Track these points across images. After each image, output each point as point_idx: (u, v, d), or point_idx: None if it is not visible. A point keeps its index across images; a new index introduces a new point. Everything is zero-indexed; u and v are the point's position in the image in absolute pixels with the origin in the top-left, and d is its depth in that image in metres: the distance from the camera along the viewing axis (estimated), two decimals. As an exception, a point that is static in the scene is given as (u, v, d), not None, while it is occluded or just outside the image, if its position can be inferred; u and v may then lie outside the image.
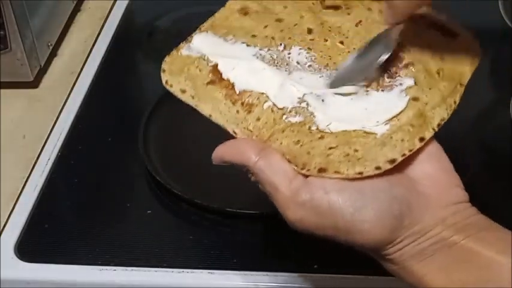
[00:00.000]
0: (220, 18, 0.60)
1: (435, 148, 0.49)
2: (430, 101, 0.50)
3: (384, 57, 0.51)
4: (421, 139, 0.48)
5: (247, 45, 0.56)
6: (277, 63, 0.55)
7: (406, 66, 0.52)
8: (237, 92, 0.53)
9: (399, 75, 0.51)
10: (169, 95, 0.83)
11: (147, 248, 0.68)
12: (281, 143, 0.50)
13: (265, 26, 0.57)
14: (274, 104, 0.52)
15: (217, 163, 0.52)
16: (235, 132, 0.52)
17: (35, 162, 0.78)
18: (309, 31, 0.57)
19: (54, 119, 0.83)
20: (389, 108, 0.50)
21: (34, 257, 0.68)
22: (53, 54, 0.93)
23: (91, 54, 0.93)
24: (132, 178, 0.76)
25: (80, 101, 0.86)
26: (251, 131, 0.52)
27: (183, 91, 0.55)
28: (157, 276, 0.66)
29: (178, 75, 0.56)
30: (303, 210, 0.47)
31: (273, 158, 0.49)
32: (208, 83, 0.55)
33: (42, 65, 0.90)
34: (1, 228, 0.71)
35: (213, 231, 0.70)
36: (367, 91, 0.51)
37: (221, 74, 0.54)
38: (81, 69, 0.91)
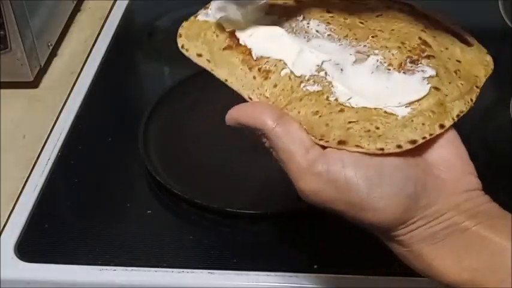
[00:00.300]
0: None
1: (453, 136, 0.49)
2: (449, 94, 0.50)
3: None
4: (441, 126, 0.48)
5: (266, 14, 0.56)
6: (296, 31, 0.54)
7: (428, 57, 0.51)
8: (254, 58, 0.52)
9: (421, 63, 0.51)
10: (169, 95, 0.83)
11: (147, 248, 0.68)
12: (299, 112, 0.49)
13: (285, 2, 0.57)
14: (291, 72, 0.51)
15: (231, 124, 0.50)
16: (250, 98, 0.52)
17: (35, 162, 0.78)
18: (329, 11, 0.56)
19: (54, 119, 0.83)
20: (411, 92, 0.49)
21: (34, 257, 0.68)
22: (53, 54, 0.93)
23: (91, 54, 0.93)
24: (132, 178, 0.76)
25: (80, 101, 0.86)
26: (267, 98, 0.51)
27: (199, 55, 0.55)
28: (157, 276, 0.66)
29: (194, 39, 0.55)
30: (317, 181, 0.46)
31: (291, 125, 0.48)
32: (225, 48, 0.54)
33: (42, 65, 0.90)
34: (1, 228, 0.71)
35: (213, 231, 0.70)
36: (389, 70, 0.50)
37: (238, 40, 0.54)
38: (81, 69, 0.91)
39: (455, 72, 0.52)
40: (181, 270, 0.66)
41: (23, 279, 0.67)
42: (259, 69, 0.52)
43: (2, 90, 0.88)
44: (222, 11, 0.56)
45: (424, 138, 0.47)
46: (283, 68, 0.51)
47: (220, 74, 0.53)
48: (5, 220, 0.72)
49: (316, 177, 0.46)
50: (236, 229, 0.70)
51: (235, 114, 0.50)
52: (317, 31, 0.54)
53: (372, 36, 0.53)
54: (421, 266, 0.47)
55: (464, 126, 0.79)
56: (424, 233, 0.46)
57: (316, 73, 0.51)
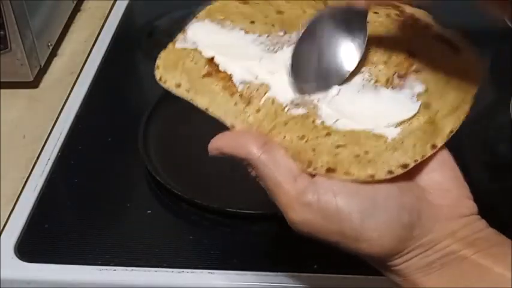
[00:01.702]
0: (218, 5, 0.57)
1: (446, 156, 0.47)
2: (441, 109, 0.48)
3: (356, 61, 0.49)
4: (433, 146, 0.47)
5: (246, 32, 0.54)
6: (277, 48, 0.52)
7: (416, 71, 0.50)
8: (235, 84, 0.51)
9: (408, 78, 0.49)
10: (169, 95, 0.83)
11: (147, 248, 0.68)
12: (284, 137, 0.48)
13: (266, 16, 0.55)
14: (274, 96, 0.50)
15: (214, 155, 0.49)
16: (233, 126, 0.50)
17: (35, 162, 0.78)
18: None
19: (54, 119, 0.83)
20: (400, 110, 0.48)
21: (34, 257, 0.68)
22: (53, 54, 0.93)
23: (91, 54, 0.93)
24: (132, 178, 0.76)
25: (80, 101, 0.86)
26: (251, 124, 0.49)
27: (178, 85, 0.53)
28: (157, 276, 0.66)
29: (173, 69, 0.54)
30: (307, 211, 0.44)
31: (277, 152, 0.46)
32: (204, 76, 0.52)
33: (42, 65, 0.90)
34: (1, 228, 0.71)
35: (213, 231, 0.70)
36: (376, 86, 0.49)
37: (218, 66, 0.52)
38: (81, 69, 0.91)
39: (446, 83, 0.50)
40: (181, 270, 0.66)
41: (23, 279, 0.67)
42: (240, 95, 0.50)
43: (2, 90, 0.88)
44: (200, 35, 0.55)
45: (415, 161, 0.46)
46: (265, 92, 0.50)
47: (201, 102, 0.52)
48: (5, 220, 0.72)
49: (306, 208, 0.44)
50: (236, 229, 0.70)
51: (218, 145, 0.48)
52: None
53: None
54: None
55: (464, 126, 0.79)
56: (420, 262, 0.44)
57: (301, 96, 0.49)
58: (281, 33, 0.53)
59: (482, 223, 0.46)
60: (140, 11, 1.03)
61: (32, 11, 0.87)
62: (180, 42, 0.55)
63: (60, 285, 0.67)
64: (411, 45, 0.51)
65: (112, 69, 0.91)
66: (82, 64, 0.92)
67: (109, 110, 0.87)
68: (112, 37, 0.96)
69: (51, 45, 0.93)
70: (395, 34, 0.52)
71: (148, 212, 0.72)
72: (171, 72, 0.54)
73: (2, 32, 0.83)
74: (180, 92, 0.53)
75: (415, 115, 0.48)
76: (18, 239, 0.70)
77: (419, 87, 0.49)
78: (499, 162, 0.75)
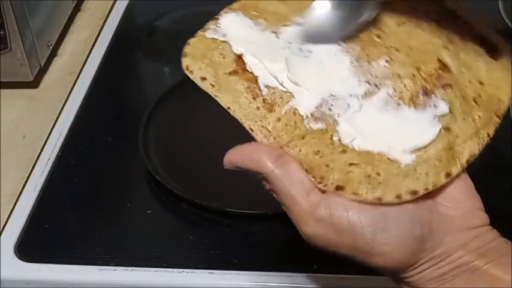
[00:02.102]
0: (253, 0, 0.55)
1: None
2: (461, 134, 0.47)
3: (367, 16, 0.48)
4: (447, 175, 0.46)
5: (277, 37, 0.52)
6: (308, 54, 0.51)
7: (444, 87, 0.48)
8: (260, 87, 0.50)
9: (435, 95, 0.48)
10: (169, 95, 0.83)
11: (147, 248, 0.68)
12: (300, 150, 0.47)
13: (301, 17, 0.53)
14: (296, 107, 0.49)
15: (229, 168, 0.48)
16: (251, 129, 0.49)
17: (35, 162, 0.78)
18: None
19: (54, 119, 0.83)
20: (419, 134, 0.47)
21: (34, 257, 0.68)
22: (53, 54, 0.93)
23: (91, 54, 0.93)
24: (132, 178, 0.76)
25: (80, 101, 0.86)
26: (269, 131, 0.48)
27: (203, 78, 0.51)
28: (157, 276, 0.66)
29: (200, 60, 0.52)
30: (320, 226, 0.44)
31: (291, 167, 0.46)
32: (230, 73, 0.51)
33: (42, 65, 0.90)
34: (1, 228, 0.71)
35: (213, 231, 0.70)
36: (399, 104, 0.48)
37: (245, 65, 0.51)
38: (81, 69, 0.91)
39: (474, 100, 0.49)
40: (181, 270, 0.66)
41: (23, 279, 0.67)
42: (263, 100, 0.49)
43: (2, 90, 0.88)
44: (232, 27, 0.53)
45: (426, 189, 0.45)
46: (288, 101, 0.49)
47: (224, 100, 0.50)
48: (5, 220, 0.72)
49: (318, 222, 0.45)
50: (236, 229, 0.70)
51: (233, 158, 0.48)
52: (328, 54, 0.50)
53: (386, 60, 0.49)
54: None
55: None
56: (432, 274, 0.45)
57: (322, 108, 0.48)
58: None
59: (494, 233, 0.46)
60: (140, 11, 1.03)
61: (32, 11, 0.87)
62: (210, 32, 0.54)
63: (60, 285, 0.67)
64: (445, 52, 0.50)
65: (112, 69, 0.91)
66: (82, 64, 0.92)
67: (109, 110, 0.87)
68: (112, 37, 0.96)
69: (51, 45, 0.93)
70: (430, 39, 0.51)
71: (148, 212, 0.72)
72: (198, 63, 0.52)
73: (2, 32, 0.83)
74: (205, 86, 0.51)
75: (432, 141, 0.47)
76: (18, 239, 0.70)
77: (443, 107, 0.47)
78: (499, 162, 0.75)
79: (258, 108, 0.49)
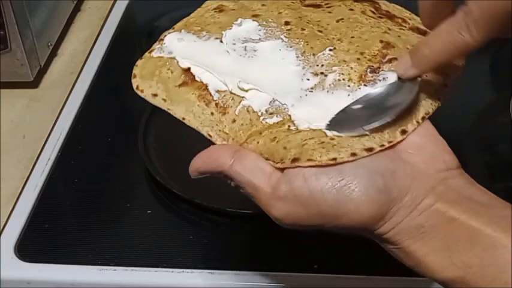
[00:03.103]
0: (195, 16, 0.58)
1: None
2: None
3: (397, 112, 0.47)
4: (403, 131, 0.46)
5: (221, 41, 0.53)
6: (251, 54, 0.52)
7: (390, 61, 0.49)
8: (211, 93, 0.51)
9: (382, 70, 0.49)
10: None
11: (147, 248, 0.68)
12: (258, 142, 0.48)
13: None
14: (249, 105, 0.50)
15: (196, 176, 0.50)
16: (210, 135, 0.50)
17: (35, 162, 0.78)
18: (287, 23, 0.54)
19: (54, 119, 0.83)
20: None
21: (34, 257, 0.68)
22: (53, 54, 0.93)
23: (91, 54, 0.93)
24: (132, 178, 0.76)
25: (80, 101, 0.86)
26: (227, 133, 0.50)
27: (155, 95, 0.53)
28: (157, 276, 0.66)
29: (149, 79, 0.54)
30: (285, 203, 0.45)
31: (247, 157, 0.47)
32: (180, 85, 0.53)
33: (42, 65, 0.90)
34: (1, 228, 0.71)
35: (213, 231, 0.70)
36: (349, 85, 0.48)
37: (193, 76, 0.52)
38: (81, 69, 0.91)
39: None
40: (181, 270, 0.66)
41: (23, 279, 0.67)
42: (216, 104, 0.51)
43: (2, 90, 0.88)
44: (176, 44, 0.55)
45: (382, 146, 0.45)
46: (240, 101, 0.50)
47: (177, 112, 0.52)
48: (5, 220, 0.72)
49: (282, 200, 0.45)
50: (236, 229, 0.70)
51: (195, 166, 0.50)
52: (271, 51, 0.52)
53: (330, 49, 0.51)
54: (413, 264, 0.44)
55: (464, 126, 0.80)
56: (408, 227, 0.44)
57: (275, 103, 0.49)
58: (256, 38, 0.53)
59: (464, 178, 0.45)
60: (140, 11, 1.03)
61: (32, 11, 0.87)
62: (156, 52, 0.56)
63: (60, 285, 0.67)
64: (387, 35, 0.51)
65: (112, 69, 0.91)
66: (82, 64, 0.92)
67: (109, 110, 0.87)
68: (112, 37, 0.96)
69: (51, 45, 0.93)
70: (369, 28, 0.52)
71: (148, 212, 0.72)
72: (147, 82, 0.54)
73: (2, 32, 0.83)
74: (157, 102, 0.53)
75: None
76: (18, 239, 0.70)
77: (392, 76, 0.48)
78: (499, 162, 0.75)
79: (212, 113, 0.51)
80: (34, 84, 0.89)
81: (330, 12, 0.55)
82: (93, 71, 0.90)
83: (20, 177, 0.76)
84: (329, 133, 0.47)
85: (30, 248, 0.69)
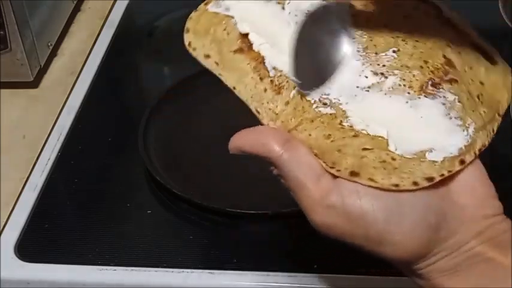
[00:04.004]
0: None
1: None
2: (472, 124, 0.46)
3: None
4: (462, 161, 0.45)
5: (283, 7, 0.50)
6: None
7: (450, 81, 0.47)
8: (268, 68, 0.47)
9: (442, 88, 0.47)
10: (169, 95, 0.83)
11: (147, 248, 0.68)
12: (310, 135, 0.45)
13: None
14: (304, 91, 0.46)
15: (235, 153, 0.46)
16: (258, 112, 0.47)
17: (35, 162, 0.78)
18: (352, 5, 0.50)
19: (54, 119, 0.83)
20: (436, 133, 0.45)
21: (34, 257, 0.68)
22: (53, 54, 0.93)
23: (91, 54, 0.93)
24: (132, 178, 0.76)
25: (80, 101, 0.86)
26: (277, 114, 0.46)
27: (207, 56, 0.49)
28: (157, 276, 0.66)
29: (203, 36, 0.50)
30: (331, 214, 0.42)
31: (299, 151, 0.44)
32: (235, 51, 0.49)
33: (42, 65, 0.90)
34: (1, 228, 0.71)
35: (213, 231, 0.70)
36: (409, 92, 0.46)
37: (251, 44, 0.48)
38: (81, 69, 0.91)
39: (478, 97, 0.48)
40: (181, 270, 0.66)
41: (23, 279, 0.67)
42: (271, 81, 0.47)
43: (2, 90, 0.88)
44: (236, 0, 0.50)
45: (442, 175, 0.44)
46: (295, 86, 0.47)
47: (229, 79, 0.48)
48: (5, 220, 0.72)
49: (329, 210, 0.43)
50: (236, 229, 0.70)
51: (238, 143, 0.46)
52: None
53: (394, 51, 0.48)
54: None
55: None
56: (445, 265, 0.43)
57: (330, 96, 0.46)
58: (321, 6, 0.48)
59: (507, 223, 0.45)
60: (140, 11, 1.03)
61: (32, 11, 0.87)
62: (212, 6, 0.51)
63: (60, 285, 0.67)
64: (449, 50, 0.49)
65: (112, 69, 0.91)
66: (82, 64, 0.92)
67: (109, 110, 0.87)
68: (112, 37, 0.96)
69: (51, 45, 0.93)
70: (435, 36, 0.50)
71: (148, 212, 0.72)
72: (201, 39, 0.50)
73: (2, 32, 0.83)
74: (209, 64, 0.49)
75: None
76: (18, 239, 0.70)
77: (451, 99, 0.46)
78: (499, 162, 0.75)
79: (265, 90, 0.47)
80: (34, 84, 0.89)
81: (396, 5, 0.51)
82: (93, 71, 0.90)
83: (20, 177, 0.76)
84: (391, 147, 0.44)
85: (30, 248, 0.69)
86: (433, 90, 0.46)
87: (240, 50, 0.49)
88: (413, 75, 0.47)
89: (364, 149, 0.44)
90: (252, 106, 0.48)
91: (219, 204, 0.70)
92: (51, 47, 0.92)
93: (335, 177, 0.44)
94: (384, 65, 0.47)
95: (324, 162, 0.44)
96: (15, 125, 0.84)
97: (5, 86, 0.87)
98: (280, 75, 0.47)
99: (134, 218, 0.72)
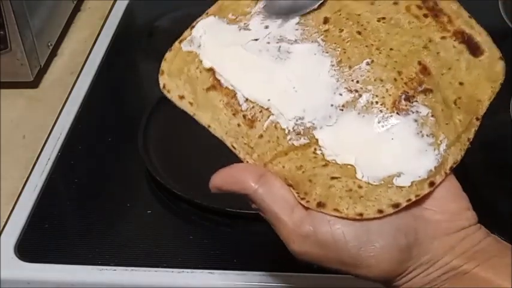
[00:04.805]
0: (230, 2, 0.52)
1: None
2: (444, 140, 0.46)
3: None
4: (431, 183, 0.45)
5: (255, 39, 0.50)
6: (285, 57, 0.48)
7: (425, 92, 0.47)
8: (240, 102, 0.48)
9: (416, 100, 0.46)
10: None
11: (147, 248, 0.68)
12: (283, 167, 0.46)
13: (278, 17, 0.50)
14: (277, 120, 0.47)
15: (216, 192, 0.49)
16: (234, 147, 0.48)
17: (35, 162, 0.78)
18: (325, 21, 0.49)
19: (54, 119, 0.83)
20: (406, 158, 0.45)
21: (34, 257, 0.68)
22: (53, 54, 0.93)
23: (91, 54, 0.93)
24: (132, 178, 0.76)
25: (80, 101, 0.86)
26: (252, 148, 0.48)
27: (181, 97, 0.50)
28: (157, 276, 0.66)
29: (177, 77, 0.51)
30: (306, 242, 0.45)
31: (274, 184, 0.46)
32: (208, 88, 0.49)
33: (42, 65, 0.90)
34: (1, 228, 0.71)
35: (213, 231, 0.70)
36: (381, 110, 0.46)
37: (220, 81, 0.49)
38: (81, 69, 0.91)
39: (455, 102, 0.47)
40: (181, 270, 0.66)
41: (23, 279, 0.67)
42: (244, 116, 0.48)
43: (2, 90, 0.88)
44: (207, 37, 0.51)
45: (409, 200, 0.44)
46: (269, 116, 0.47)
47: (203, 118, 0.49)
48: (5, 220, 0.72)
49: (304, 239, 0.45)
50: (236, 229, 0.70)
51: (216, 182, 0.48)
52: (306, 57, 0.48)
53: (367, 63, 0.47)
54: None
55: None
56: (422, 281, 0.44)
57: (303, 120, 0.47)
58: (292, 39, 0.49)
59: (482, 233, 0.45)
60: (140, 11, 1.03)
61: (32, 11, 0.87)
62: (186, 43, 0.52)
63: (60, 285, 0.67)
64: (425, 54, 0.48)
65: (112, 69, 0.91)
66: (82, 64, 0.92)
67: (109, 110, 0.87)
68: (112, 37, 0.96)
69: (51, 45, 0.93)
70: (410, 38, 0.49)
71: (148, 212, 0.72)
72: (175, 80, 0.51)
73: (2, 32, 0.83)
74: (183, 105, 0.50)
75: None
76: (18, 239, 0.70)
77: (424, 111, 0.46)
78: (499, 162, 0.75)
79: (238, 125, 0.48)
80: (34, 84, 0.89)
81: (372, 3, 0.50)
82: (93, 71, 0.90)
83: (20, 177, 0.76)
84: (358, 175, 0.45)
85: (30, 248, 0.69)
86: (406, 105, 0.46)
87: (212, 87, 0.49)
88: (387, 90, 0.46)
89: (333, 177, 0.45)
90: (228, 142, 0.49)
91: (219, 204, 0.70)
92: (51, 47, 0.92)
93: (307, 207, 0.45)
94: (357, 81, 0.47)
95: (297, 193, 0.46)
96: (15, 125, 0.84)
97: (5, 86, 0.87)
98: (253, 107, 0.48)
99: (134, 218, 0.72)
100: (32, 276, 0.67)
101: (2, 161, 0.79)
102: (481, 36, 0.50)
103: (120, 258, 0.67)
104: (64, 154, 0.79)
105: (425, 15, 0.50)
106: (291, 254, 0.67)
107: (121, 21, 1.00)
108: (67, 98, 0.86)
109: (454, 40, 0.50)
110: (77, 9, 1.01)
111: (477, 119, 0.48)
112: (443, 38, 0.49)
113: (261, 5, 0.51)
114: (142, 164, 0.75)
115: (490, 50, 0.50)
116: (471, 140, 0.47)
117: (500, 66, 0.49)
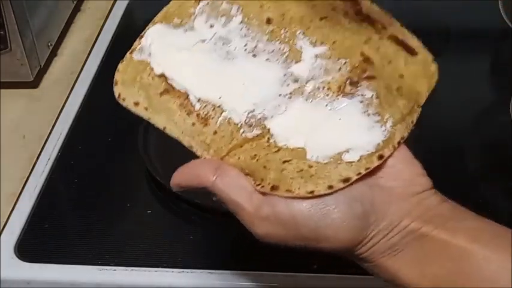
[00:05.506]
0: (175, 6, 0.56)
1: None
2: (390, 118, 0.48)
3: None
4: (380, 157, 0.47)
5: (202, 41, 0.52)
6: (231, 56, 0.51)
7: (368, 78, 0.49)
8: (192, 103, 0.50)
9: (360, 85, 0.49)
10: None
11: (147, 248, 0.68)
12: (239, 158, 0.48)
13: (222, 15, 0.53)
14: (230, 116, 0.49)
15: (177, 190, 0.50)
16: (191, 146, 0.50)
17: (35, 162, 0.78)
18: (268, 21, 0.52)
19: (54, 119, 0.83)
20: (355, 133, 0.48)
21: (34, 257, 0.68)
22: (53, 54, 0.93)
23: (91, 54, 0.93)
24: (132, 178, 0.76)
25: (80, 101, 0.86)
26: (208, 145, 0.50)
27: (136, 103, 0.52)
28: (157, 276, 0.66)
29: (131, 85, 0.53)
30: (268, 224, 0.46)
31: (229, 174, 0.48)
32: (162, 93, 0.51)
33: (42, 65, 0.90)
34: (1, 228, 0.71)
35: (213, 232, 0.70)
36: (327, 94, 0.49)
37: (172, 85, 0.51)
38: (81, 69, 0.91)
39: (397, 89, 0.50)
40: (181, 270, 0.66)
41: (23, 279, 0.67)
42: (197, 115, 0.50)
43: (2, 90, 0.88)
44: (156, 44, 0.53)
45: (359, 174, 0.46)
46: (221, 113, 0.50)
47: (158, 121, 0.51)
48: (5, 220, 0.72)
49: (265, 220, 0.46)
50: (236, 229, 0.70)
51: (176, 180, 0.50)
52: (254, 55, 0.51)
53: (311, 58, 0.50)
54: (388, 278, 0.46)
55: (464, 126, 0.80)
56: (383, 246, 0.46)
57: (254, 112, 0.49)
58: (238, 39, 0.52)
59: (437, 197, 0.47)
60: (140, 11, 1.03)
61: (32, 11, 0.87)
62: (137, 53, 0.54)
63: (60, 285, 0.67)
64: (367, 47, 0.51)
65: (112, 69, 0.91)
66: (82, 64, 0.92)
67: (109, 110, 0.86)
68: (112, 37, 0.96)
69: (51, 45, 0.93)
70: (351, 35, 0.52)
71: (148, 212, 0.72)
72: (129, 89, 0.53)
73: (2, 32, 0.83)
74: (139, 111, 0.52)
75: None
76: (18, 239, 0.70)
77: (369, 94, 0.48)
78: (499, 162, 0.75)
79: (193, 124, 0.50)
80: (34, 84, 0.89)
81: (314, 6, 0.53)
82: (93, 71, 0.90)
83: (20, 177, 0.76)
84: (308, 155, 0.47)
85: (30, 248, 0.69)
86: (351, 90, 0.49)
87: (166, 91, 0.51)
88: (332, 77, 0.49)
89: (285, 161, 0.47)
90: (185, 141, 0.51)
91: (219, 204, 0.70)
92: (51, 47, 0.93)
93: (264, 192, 0.47)
94: (303, 72, 0.50)
95: (254, 180, 0.47)
96: (15, 125, 0.84)
97: (5, 86, 0.88)
98: (206, 106, 0.50)
99: (134, 218, 0.72)
100: (32, 276, 0.67)
101: (2, 161, 0.79)
102: (413, 42, 0.52)
103: (120, 258, 0.67)
104: (64, 154, 0.79)
105: (362, 20, 0.52)
106: (291, 254, 0.67)
107: (121, 21, 1.00)
108: (67, 98, 0.86)
109: (391, 42, 0.52)
110: (77, 9, 1.01)
111: (418, 106, 0.50)
112: (380, 38, 0.52)
113: (203, 3, 0.54)
114: (142, 164, 0.75)
115: (423, 54, 0.52)
116: (414, 123, 0.49)
117: (434, 68, 0.51)
